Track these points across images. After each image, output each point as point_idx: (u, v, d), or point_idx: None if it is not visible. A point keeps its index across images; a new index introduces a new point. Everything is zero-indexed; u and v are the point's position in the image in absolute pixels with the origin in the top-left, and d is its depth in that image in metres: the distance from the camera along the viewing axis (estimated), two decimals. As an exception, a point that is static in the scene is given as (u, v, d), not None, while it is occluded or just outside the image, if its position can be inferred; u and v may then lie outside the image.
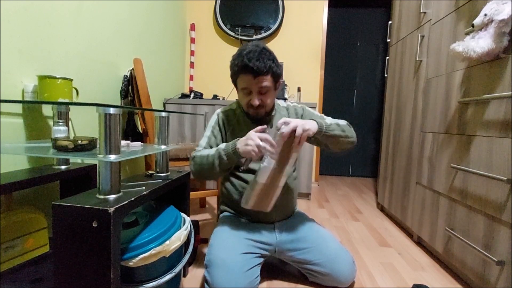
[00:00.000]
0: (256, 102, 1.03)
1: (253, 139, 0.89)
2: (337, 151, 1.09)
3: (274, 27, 2.65)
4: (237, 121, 1.15)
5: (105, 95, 1.58)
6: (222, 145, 1.00)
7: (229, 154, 0.95)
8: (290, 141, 0.89)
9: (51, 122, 1.21)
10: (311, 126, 0.92)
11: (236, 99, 1.20)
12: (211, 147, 1.10)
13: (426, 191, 1.41)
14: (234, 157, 0.95)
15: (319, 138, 0.99)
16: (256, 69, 0.97)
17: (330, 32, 3.25)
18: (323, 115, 1.24)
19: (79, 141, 0.82)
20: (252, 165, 1.10)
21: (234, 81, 1.08)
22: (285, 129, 0.87)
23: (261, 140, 0.88)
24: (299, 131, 0.87)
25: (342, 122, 1.10)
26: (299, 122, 0.89)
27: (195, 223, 1.29)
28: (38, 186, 1.15)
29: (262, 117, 1.12)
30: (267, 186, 0.95)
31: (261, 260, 1.07)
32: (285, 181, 1.01)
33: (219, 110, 1.19)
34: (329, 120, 1.09)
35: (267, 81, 1.02)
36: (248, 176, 1.11)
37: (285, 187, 1.11)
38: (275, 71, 1.03)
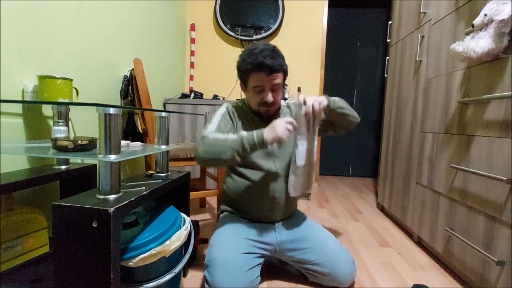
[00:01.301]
0: (270, 98, 1.04)
1: (281, 125, 0.91)
2: (342, 132, 1.18)
3: (274, 27, 2.65)
4: (245, 118, 1.14)
5: (105, 95, 1.58)
6: (244, 133, 0.94)
7: (253, 142, 0.91)
8: (310, 117, 0.99)
9: (51, 122, 1.21)
10: (323, 99, 1.01)
11: (239, 99, 1.20)
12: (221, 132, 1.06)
13: (426, 191, 1.41)
14: (257, 146, 0.92)
15: (327, 115, 1.09)
16: (271, 66, 0.98)
17: (330, 32, 3.25)
18: None
19: (79, 141, 0.82)
20: (260, 161, 1.10)
21: (245, 80, 1.06)
22: (307, 109, 0.96)
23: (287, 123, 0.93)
24: (316, 106, 0.97)
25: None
26: (313, 98, 0.98)
27: (195, 223, 1.29)
28: (38, 186, 1.15)
29: (271, 115, 1.12)
30: (306, 166, 1.04)
31: (261, 260, 1.07)
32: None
33: (227, 104, 1.18)
34: (337, 98, 1.11)
35: (279, 79, 1.03)
36: (251, 173, 1.11)
37: (285, 186, 1.11)
38: (286, 69, 1.05)
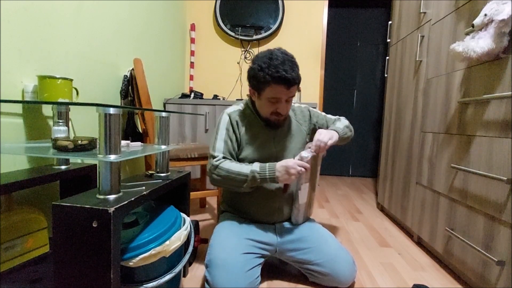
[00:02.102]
0: (285, 111, 1.04)
1: (294, 168, 0.97)
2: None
3: (274, 27, 2.65)
4: (248, 122, 1.13)
5: (105, 95, 1.58)
6: (256, 167, 1.01)
7: (265, 179, 1.01)
8: (316, 156, 1.05)
9: (51, 122, 1.21)
10: (333, 135, 1.08)
11: (239, 99, 1.20)
12: (230, 153, 1.09)
13: (426, 191, 1.41)
14: (269, 182, 1.02)
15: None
16: (292, 80, 0.96)
17: (330, 32, 3.25)
18: (325, 114, 1.26)
19: (79, 141, 0.82)
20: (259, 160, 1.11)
21: (260, 88, 1.02)
22: (314, 148, 1.02)
23: (299, 166, 0.98)
24: (330, 143, 1.05)
25: (344, 121, 1.22)
26: (326, 135, 1.04)
27: (195, 223, 1.29)
28: (38, 186, 1.15)
29: (280, 123, 1.12)
30: (307, 201, 1.12)
31: (262, 260, 1.07)
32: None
33: (228, 111, 1.14)
34: (338, 123, 1.19)
35: (295, 90, 1.03)
36: None
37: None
38: (301, 80, 1.04)
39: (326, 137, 1.04)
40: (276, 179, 1.00)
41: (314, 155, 1.03)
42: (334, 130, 1.13)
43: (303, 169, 0.98)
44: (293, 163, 0.98)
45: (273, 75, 0.96)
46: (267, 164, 1.02)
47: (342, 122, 1.21)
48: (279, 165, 1.00)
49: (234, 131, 1.11)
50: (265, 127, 1.12)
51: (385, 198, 1.98)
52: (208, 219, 1.79)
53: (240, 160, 1.11)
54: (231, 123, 1.11)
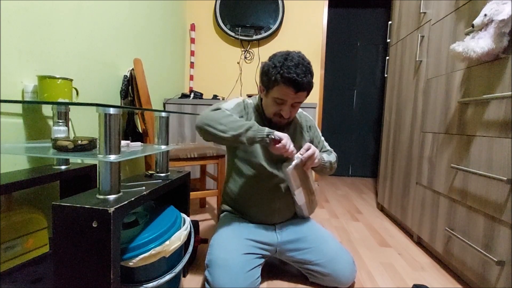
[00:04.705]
0: (288, 114, 1.02)
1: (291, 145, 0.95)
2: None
3: (274, 27, 2.65)
4: (256, 118, 1.12)
5: (105, 95, 1.58)
6: (255, 123, 0.94)
7: (262, 137, 0.92)
8: (301, 167, 1.03)
9: (51, 122, 1.21)
10: (317, 155, 1.05)
11: (254, 98, 1.17)
12: None
13: (426, 191, 1.41)
14: (261, 141, 0.93)
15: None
16: (301, 84, 0.95)
17: (330, 32, 3.25)
18: (324, 140, 1.27)
19: (79, 141, 0.82)
20: (264, 163, 1.10)
21: (269, 87, 1.01)
22: (308, 153, 1.01)
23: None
24: (316, 159, 1.03)
25: (333, 157, 1.20)
26: (315, 149, 1.03)
27: (195, 223, 1.29)
28: (38, 186, 1.15)
29: (283, 126, 1.11)
30: (307, 201, 1.15)
31: (262, 260, 1.07)
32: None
33: (243, 98, 1.17)
34: (326, 155, 1.17)
35: (303, 97, 1.01)
36: (254, 175, 1.11)
37: (287, 190, 1.11)
38: (312, 88, 1.02)
39: (316, 150, 1.03)
40: (270, 141, 0.93)
41: (298, 164, 0.99)
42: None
43: (293, 152, 0.96)
44: (290, 141, 0.95)
45: (284, 75, 0.94)
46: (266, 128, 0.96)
47: (331, 157, 1.18)
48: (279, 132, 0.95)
49: (244, 110, 1.11)
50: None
51: (385, 198, 1.98)
52: (208, 219, 1.79)
53: (239, 158, 1.11)
54: (244, 105, 1.13)
